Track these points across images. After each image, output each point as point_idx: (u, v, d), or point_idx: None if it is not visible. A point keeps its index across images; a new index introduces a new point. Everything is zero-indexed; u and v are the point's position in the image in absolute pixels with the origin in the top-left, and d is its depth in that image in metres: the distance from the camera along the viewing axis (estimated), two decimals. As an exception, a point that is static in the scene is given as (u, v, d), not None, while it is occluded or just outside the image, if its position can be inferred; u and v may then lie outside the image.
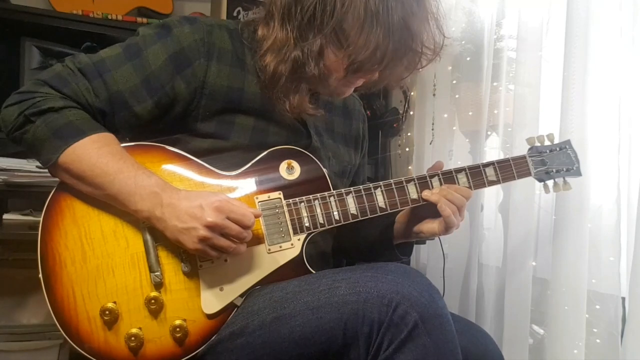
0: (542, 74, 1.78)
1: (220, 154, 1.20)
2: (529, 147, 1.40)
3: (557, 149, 1.40)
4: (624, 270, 1.55)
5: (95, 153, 1.07)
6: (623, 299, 1.56)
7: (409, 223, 1.35)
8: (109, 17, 2.35)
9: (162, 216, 1.05)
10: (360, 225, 1.26)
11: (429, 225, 1.30)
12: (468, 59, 2.14)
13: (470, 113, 2.10)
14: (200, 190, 1.14)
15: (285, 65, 1.17)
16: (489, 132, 2.03)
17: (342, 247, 1.46)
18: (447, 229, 1.26)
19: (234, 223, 1.05)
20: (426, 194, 1.26)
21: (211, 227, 1.04)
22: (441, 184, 1.28)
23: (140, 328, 1.08)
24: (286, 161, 1.22)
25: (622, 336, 1.54)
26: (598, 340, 1.60)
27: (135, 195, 1.06)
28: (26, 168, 1.82)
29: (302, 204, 1.20)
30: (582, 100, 1.59)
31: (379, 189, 1.25)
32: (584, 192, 1.59)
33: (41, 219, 1.10)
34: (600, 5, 1.59)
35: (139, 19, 2.41)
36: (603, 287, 1.61)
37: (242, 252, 1.09)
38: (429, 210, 1.28)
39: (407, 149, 2.56)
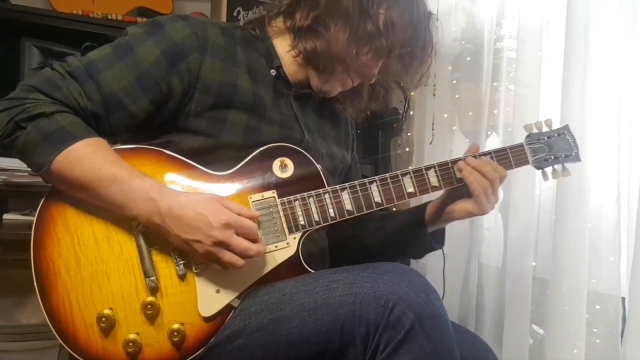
0: (542, 74, 1.78)
1: (212, 153, 1.19)
2: (526, 134, 1.37)
3: (555, 135, 1.37)
4: (624, 270, 1.55)
5: (88, 158, 1.06)
6: (623, 299, 1.56)
7: (441, 204, 1.35)
8: (109, 17, 2.34)
9: (163, 224, 1.04)
10: (384, 215, 1.27)
11: (462, 205, 1.30)
12: (468, 59, 2.14)
13: (470, 113, 2.10)
14: (197, 193, 1.12)
15: (356, 33, 1.22)
16: (489, 132, 2.03)
17: (364, 246, 1.43)
18: (480, 207, 1.26)
19: (241, 238, 1.05)
20: (461, 165, 1.26)
21: (217, 244, 1.03)
22: (437, 176, 1.27)
23: (137, 333, 1.07)
24: (279, 159, 1.21)
25: (622, 336, 1.54)
26: (598, 340, 1.60)
27: (131, 202, 1.05)
28: (26, 168, 1.81)
29: (297, 202, 1.19)
30: (582, 100, 1.59)
31: (374, 183, 1.24)
32: (584, 192, 1.58)
33: (33, 227, 1.09)
34: (600, 5, 1.59)
35: (139, 19, 2.40)
36: (603, 287, 1.61)
37: (241, 265, 1.07)
38: (461, 190, 1.28)
39: (407, 149, 2.56)
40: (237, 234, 1.05)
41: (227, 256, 1.05)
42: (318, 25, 1.24)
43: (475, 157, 1.28)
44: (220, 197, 1.10)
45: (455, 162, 1.29)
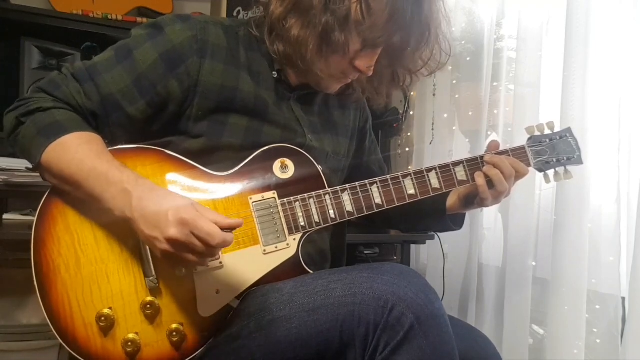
0: (542, 74, 1.78)
1: (213, 154, 1.19)
2: (528, 136, 1.36)
3: (558, 137, 1.36)
4: (624, 270, 1.56)
5: (74, 150, 1.06)
6: (623, 299, 1.56)
7: (462, 195, 1.38)
8: (109, 17, 2.34)
9: (132, 217, 1.02)
10: None
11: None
12: (468, 59, 2.14)
13: (470, 113, 2.10)
14: (196, 194, 1.12)
15: (313, 29, 1.14)
16: (489, 132, 2.03)
17: (387, 216, 1.40)
18: (483, 200, 1.29)
19: (198, 241, 0.98)
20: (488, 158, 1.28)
21: (172, 242, 0.98)
22: (439, 177, 1.27)
23: (137, 333, 1.07)
24: (280, 160, 1.21)
25: (622, 336, 1.54)
26: (598, 340, 1.61)
27: (107, 193, 1.03)
28: (26, 168, 1.82)
29: (297, 203, 1.19)
30: (582, 100, 1.59)
31: (375, 185, 1.24)
32: (584, 192, 1.59)
33: (33, 226, 1.09)
34: (600, 6, 1.59)
35: (139, 19, 2.39)
36: (603, 287, 1.61)
37: (208, 266, 1.05)
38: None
39: (407, 149, 2.56)
40: (194, 236, 0.98)
41: (186, 256, 1.00)
42: (279, 26, 1.19)
43: (437, 174, 1.28)
44: (197, 203, 1.04)
45: (456, 164, 1.29)
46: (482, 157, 1.30)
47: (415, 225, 1.56)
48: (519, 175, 1.30)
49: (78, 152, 1.06)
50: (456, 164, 1.29)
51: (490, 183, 1.27)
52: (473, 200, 1.35)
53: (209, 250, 1.00)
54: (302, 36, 1.16)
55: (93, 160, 1.05)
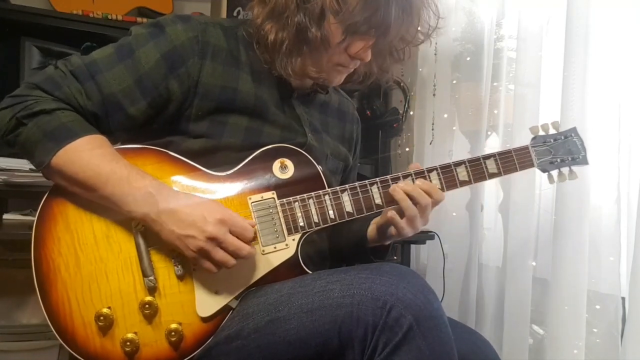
0: (542, 74, 1.78)
1: (213, 155, 1.19)
2: (532, 136, 1.33)
3: (562, 137, 1.33)
4: (624, 270, 1.56)
5: (88, 155, 1.07)
6: (623, 299, 1.56)
7: (381, 223, 1.31)
8: (109, 17, 2.34)
9: (158, 219, 1.05)
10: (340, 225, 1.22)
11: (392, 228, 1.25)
12: (468, 59, 2.14)
13: (470, 113, 2.10)
14: (195, 193, 1.13)
15: (288, 31, 1.16)
16: (489, 132, 2.03)
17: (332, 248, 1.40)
18: (399, 230, 1.22)
19: (234, 237, 1.06)
20: (394, 188, 1.20)
21: (211, 239, 1.04)
22: (440, 179, 1.24)
23: (135, 333, 1.07)
24: (279, 160, 1.20)
25: (622, 336, 1.54)
26: (598, 340, 1.61)
27: (129, 196, 1.05)
28: (26, 168, 1.82)
29: (296, 203, 1.18)
30: (582, 100, 1.59)
31: (375, 185, 1.22)
32: (584, 192, 1.59)
33: (34, 225, 1.09)
34: (600, 5, 1.58)
35: (139, 19, 2.40)
36: (603, 287, 1.61)
37: (233, 265, 1.07)
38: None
39: (407, 149, 2.56)
40: (231, 232, 1.05)
41: (220, 254, 1.05)
42: (258, 34, 1.21)
43: (439, 175, 1.24)
44: (219, 203, 1.10)
45: (458, 164, 1.26)
46: (484, 158, 1.27)
47: (341, 257, 1.45)
48: (431, 195, 1.21)
49: (92, 156, 1.07)
50: (458, 164, 1.26)
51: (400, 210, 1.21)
52: (387, 230, 1.29)
53: (241, 250, 1.06)
54: (278, 40, 1.17)
55: (111, 165, 1.07)
